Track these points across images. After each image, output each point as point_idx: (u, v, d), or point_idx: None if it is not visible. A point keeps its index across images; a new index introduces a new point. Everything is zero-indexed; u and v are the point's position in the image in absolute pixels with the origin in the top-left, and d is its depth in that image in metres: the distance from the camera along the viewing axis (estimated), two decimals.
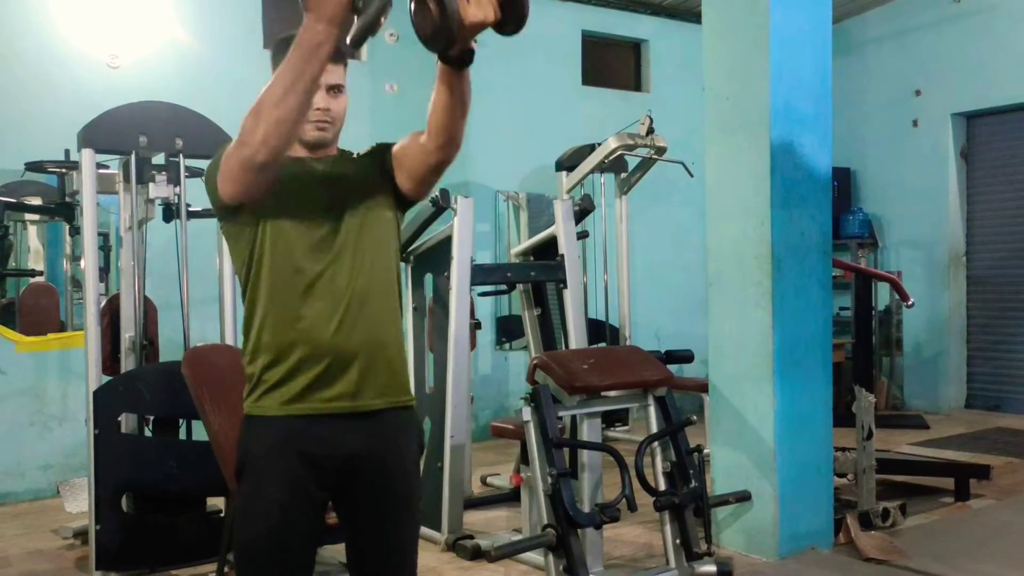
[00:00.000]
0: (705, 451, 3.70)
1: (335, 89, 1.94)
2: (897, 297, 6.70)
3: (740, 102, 3.81)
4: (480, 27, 1.66)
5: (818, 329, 3.84)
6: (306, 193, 1.89)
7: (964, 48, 7.32)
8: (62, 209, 4.85)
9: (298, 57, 1.66)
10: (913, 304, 5.00)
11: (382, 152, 2.02)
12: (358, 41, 1.65)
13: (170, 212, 3.88)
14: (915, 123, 7.69)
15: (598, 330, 6.22)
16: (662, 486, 3.40)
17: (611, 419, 6.19)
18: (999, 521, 4.28)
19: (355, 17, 1.64)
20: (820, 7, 3.86)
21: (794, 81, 3.75)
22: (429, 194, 2.24)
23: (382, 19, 1.63)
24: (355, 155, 2.04)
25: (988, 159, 7.50)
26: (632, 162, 6.33)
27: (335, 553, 3.32)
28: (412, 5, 1.66)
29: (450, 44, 1.69)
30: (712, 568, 3.40)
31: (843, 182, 7.81)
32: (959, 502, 4.54)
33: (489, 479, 5.14)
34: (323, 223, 1.88)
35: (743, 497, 3.70)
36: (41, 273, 5.46)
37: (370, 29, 1.64)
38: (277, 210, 1.86)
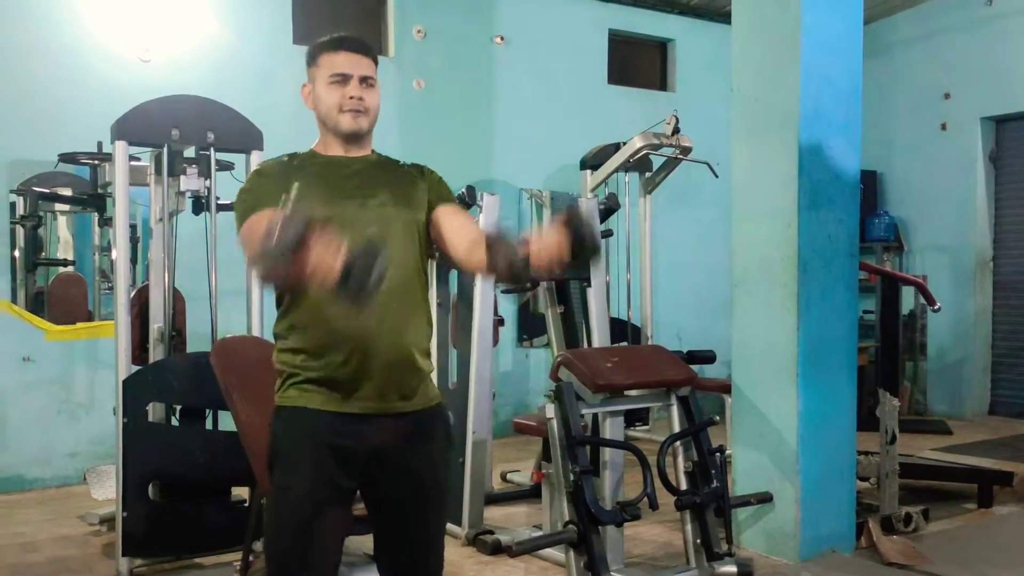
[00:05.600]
0: (727, 452, 3.70)
1: (367, 81, 1.95)
2: (922, 301, 6.65)
3: (769, 103, 3.80)
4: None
5: (843, 332, 3.83)
6: (341, 197, 1.91)
7: (994, 51, 7.24)
8: (94, 200, 4.91)
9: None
10: (939, 308, 4.95)
11: (435, 190, 2.02)
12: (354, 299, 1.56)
13: (200, 205, 3.91)
14: (943, 126, 7.62)
15: (620, 329, 6.22)
16: (684, 485, 3.40)
17: (631, 418, 6.19)
18: (1022, 528, 4.25)
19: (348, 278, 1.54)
20: (851, 9, 3.85)
21: (824, 83, 3.73)
22: None
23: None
24: (400, 165, 2.06)
25: (1017, 164, 7.42)
26: (657, 161, 6.31)
27: (361, 544, 3.35)
28: (488, 242, 1.69)
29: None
30: (732, 568, 3.40)
31: (869, 185, 7.75)
32: (982, 508, 4.51)
33: (509, 475, 5.16)
34: (355, 226, 1.88)
35: (764, 498, 3.69)
36: (73, 263, 5.53)
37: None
38: (315, 213, 1.85)
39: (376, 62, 2.00)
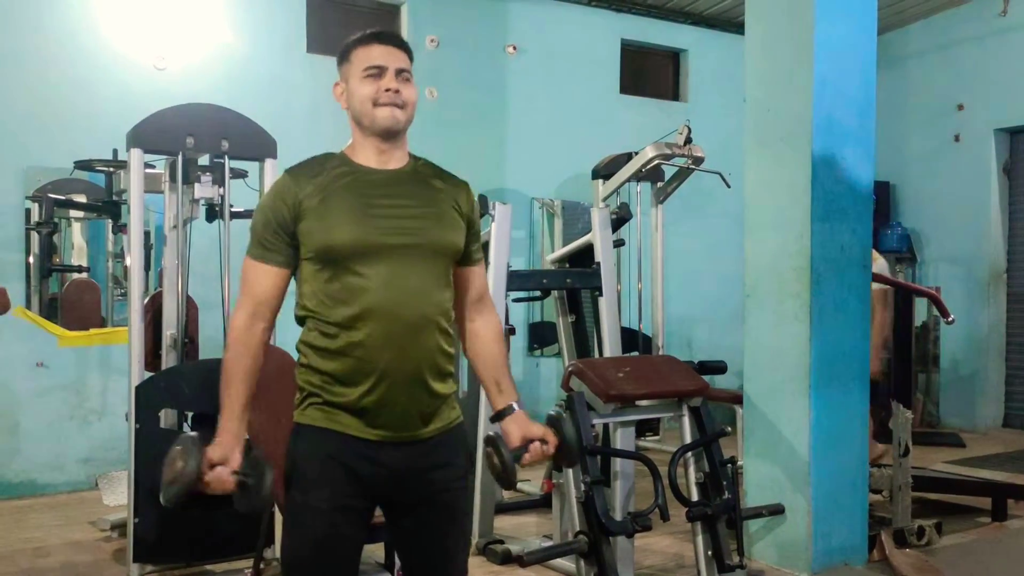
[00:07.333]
0: (739, 463, 3.69)
1: (403, 74, 1.89)
2: (935, 313, 6.61)
3: (782, 113, 3.80)
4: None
5: (856, 343, 3.81)
6: (369, 214, 1.85)
7: (1008, 62, 7.22)
8: (108, 207, 4.94)
9: None
10: (953, 320, 4.93)
11: (473, 239, 2.01)
12: (248, 512, 1.92)
13: (213, 212, 3.93)
14: (957, 138, 7.60)
15: (631, 339, 6.21)
16: (695, 496, 3.38)
17: (641, 428, 6.17)
18: None
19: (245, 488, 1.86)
20: (865, 19, 3.84)
21: (837, 93, 3.73)
22: None
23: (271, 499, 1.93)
24: (437, 179, 1.97)
25: None
26: (669, 171, 6.32)
27: (372, 552, 3.34)
28: (484, 447, 2.04)
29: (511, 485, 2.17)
30: None
31: (883, 196, 7.73)
32: (996, 522, 4.47)
33: (519, 485, 5.14)
34: (385, 247, 1.84)
35: (776, 510, 3.67)
36: (87, 269, 5.57)
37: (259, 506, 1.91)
38: (338, 235, 1.82)
39: (411, 58, 1.94)
